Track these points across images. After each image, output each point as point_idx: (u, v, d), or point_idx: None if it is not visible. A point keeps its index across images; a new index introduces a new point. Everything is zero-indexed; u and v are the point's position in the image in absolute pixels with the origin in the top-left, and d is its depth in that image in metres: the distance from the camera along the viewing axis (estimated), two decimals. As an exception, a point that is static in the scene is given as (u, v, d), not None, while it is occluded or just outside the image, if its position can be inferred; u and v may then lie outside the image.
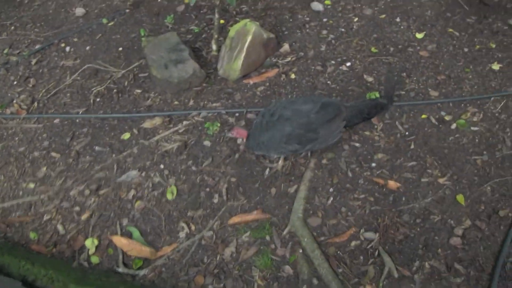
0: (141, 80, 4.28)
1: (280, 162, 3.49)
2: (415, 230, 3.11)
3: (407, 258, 2.99)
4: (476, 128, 3.64)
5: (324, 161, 3.52)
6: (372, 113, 3.43)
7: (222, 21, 4.69)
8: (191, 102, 4.04)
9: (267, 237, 3.16)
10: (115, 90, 4.20)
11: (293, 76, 4.15)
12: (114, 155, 3.73)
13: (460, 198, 3.22)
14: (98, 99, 4.17)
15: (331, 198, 3.32)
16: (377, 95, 3.81)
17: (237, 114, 3.89)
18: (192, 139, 3.76)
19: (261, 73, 4.22)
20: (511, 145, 3.49)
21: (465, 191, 3.27)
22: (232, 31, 4.24)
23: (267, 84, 4.12)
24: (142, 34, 4.69)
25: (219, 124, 3.79)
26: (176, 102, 4.06)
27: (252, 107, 3.93)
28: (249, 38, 4.10)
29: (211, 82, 4.19)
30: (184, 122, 3.89)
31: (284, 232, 3.18)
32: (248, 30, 4.13)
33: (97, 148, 3.80)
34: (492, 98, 3.84)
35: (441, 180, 3.34)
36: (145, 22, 4.87)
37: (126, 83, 4.26)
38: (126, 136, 3.86)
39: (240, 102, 3.99)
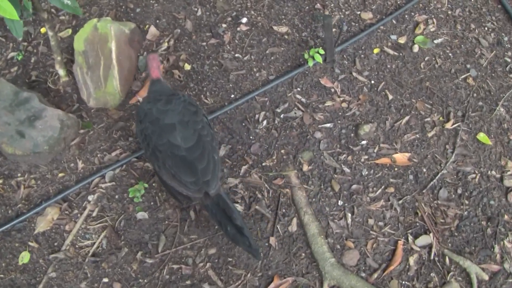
0: (-10, 164, 2.91)
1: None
2: (465, 205, 2.56)
3: (481, 247, 2.46)
4: (440, 40, 3.06)
5: (305, 168, 2.69)
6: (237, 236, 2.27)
7: (43, 30, 3.31)
8: (80, 165, 2.84)
9: (311, 307, 2.38)
10: (-38, 197, 2.82)
11: (187, 66, 3.07)
12: (27, 297, 2.54)
13: (483, 138, 2.72)
14: None
15: (349, 214, 2.58)
16: (321, 51, 2.90)
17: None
18: (119, 219, 2.67)
19: (146, 81, 3.07)
20: (488, 44, 2.95)
21: (481, 126, 2.74)
22: (79, 42, 2.98)
23: (163, 92, 3.01)
24: None
25: (146, 185, 2.70)
26: (60, 174, 2.83)
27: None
28: (113, 45, 2.90)
29: (89, 124, 2.96)
30: (90, 198, 2.74)
31: (325, 291, 2.41)
32: (105, 34, 2.91)
33: (-6, 297, 2.56)
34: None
35: (448, 125, 2.78)
36: None
37: (-28, 179, 2.87)
38: (26, 258, 2.62)
39: (144, 134, 2.89)
